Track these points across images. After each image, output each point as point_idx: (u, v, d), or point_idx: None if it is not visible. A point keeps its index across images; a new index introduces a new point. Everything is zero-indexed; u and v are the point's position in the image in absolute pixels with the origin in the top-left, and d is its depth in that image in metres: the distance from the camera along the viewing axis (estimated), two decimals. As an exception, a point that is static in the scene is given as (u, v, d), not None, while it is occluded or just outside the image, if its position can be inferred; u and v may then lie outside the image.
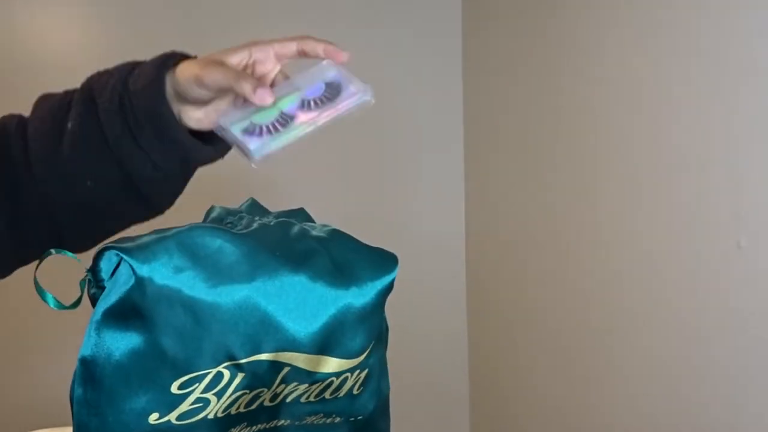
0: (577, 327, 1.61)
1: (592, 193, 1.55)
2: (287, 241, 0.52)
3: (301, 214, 0.60)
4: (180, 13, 2.07)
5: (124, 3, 2.04)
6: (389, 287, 0.55)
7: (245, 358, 0.48)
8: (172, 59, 0.62)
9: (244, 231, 0.53)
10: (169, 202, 0.65)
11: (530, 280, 1.83)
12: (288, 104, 0.61)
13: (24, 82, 2.00)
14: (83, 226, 0.66)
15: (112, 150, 0.60)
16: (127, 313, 0.48)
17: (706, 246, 1.20)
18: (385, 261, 0.56)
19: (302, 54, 0.63)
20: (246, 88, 0.57)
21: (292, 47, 0.62)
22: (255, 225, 0.54)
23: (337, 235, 0.55)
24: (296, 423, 0.51)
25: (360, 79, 0.62)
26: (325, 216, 2.49)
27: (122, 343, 0.47)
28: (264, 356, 0.48)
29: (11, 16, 1.99)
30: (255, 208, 0.60)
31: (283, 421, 0.51)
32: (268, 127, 0.61)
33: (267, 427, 0.51)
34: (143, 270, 0.47)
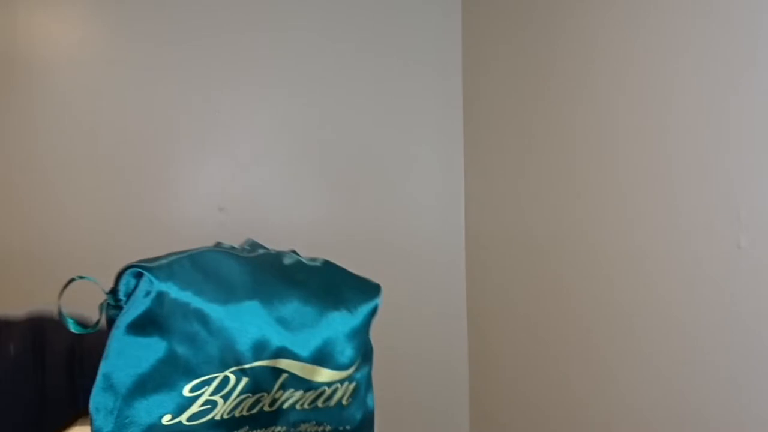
0: (577, 326, 1.61)
1: (592, 193, 1.55)
2: (285, 267, 0.60)
3: (293, 254, 0.65)
4: (180, 13, 2.07)
5: (124, 3, 2.04)
6: (374, 312, 0.62)
7: (249, 363, 0.55)
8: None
9: (248, 255, 0.60)
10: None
11: (530, 279, 1.83)
12: None
13: (24, 82, 2.01)
14: None
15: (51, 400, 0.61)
16: (147, 324, 0.53)
17: (706, 246, 1.20)
18: (371, 289, 0.63)
19: None
20: None
21: None
22: (258, 252, 0.61)
23: (329, 265, 0.62)
24: (291, 430, 0.57)
25: None
26: (326, 216, 2.49)
27: (142, 352, 0.53)
28: (266, 362, 0.55)
29: (11, 17, 1.99)
30: (255, 245, 0.66)
31: (279, 428, 0.57)
32: None
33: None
34: (163, 285, 0.54)
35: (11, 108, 1.96)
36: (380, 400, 2.34)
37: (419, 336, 2.22)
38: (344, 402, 0.58)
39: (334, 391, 0.57)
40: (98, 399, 0.52)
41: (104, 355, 0.53)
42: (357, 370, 0.58)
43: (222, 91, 2.09)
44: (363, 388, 0.59)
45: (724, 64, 1.16)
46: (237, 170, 2.09)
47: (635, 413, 1.40)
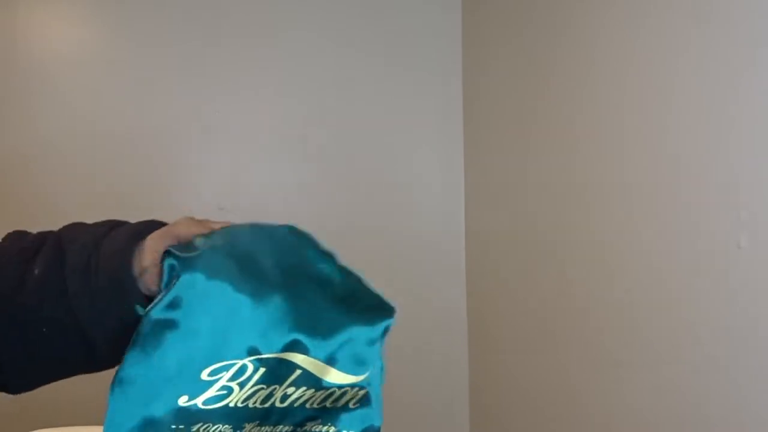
0: (577, 326, 1.61)
1: (592, 193, 1.54)
2: (317, 266, 0.61)
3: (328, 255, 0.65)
4: (180, 13, 2.07)
5: (124, 3, 2.04)
6: (387, 330, 0.63)
7: (267, 354, 0.56)
8: (146, 231, 0.62)
9: (286, 244, 0.61)
10: (118, 360, 0.64)
11: (530, 279, 1.83)
12: None
13: (24, 82, 2.00)
14: (25, 368, 0.65)
15: (71, 302, 0.60)
16: (173, 308, 0.55)
17: (706, 246, 1.20)
18: (389, 308, 0.64)
19: None
20: None
21: None
22: (298, 241, 0.62)
23: (356, 275, 0.63)
24: (298, 429, 0.58)
25: None
26: (326, 216, 2.49)
27: (171, 334, 0.55)
28: (283, 355, 0.56)
29: (12, 17, 1.99)
30: (298, 234, 0.66)
31: (287, 428, 0.57)
32: None
33: (273, 430, 0.57)
34: (194, 271, 0.55)
35: (11, 108, 1.96)
36: (380, 400, 2.32)
37: (419, 335, 2.21)
38: (351, 405, 0.58)
39: (344, 394, 0.58)
40: (129, 371, 0.53)
41: (132, 338, 0.54)
42: (369, 380, 0.59)
43: (222, 91, 2.09)
44: (373, 399, 0.60)
45: (724, 65, 1.16)
46: (237, 170, 2.09)
47: (635, 411, 1.40)
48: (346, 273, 0.61)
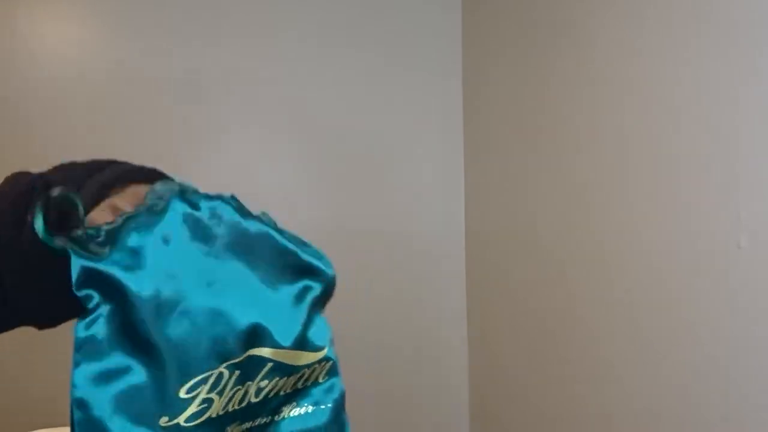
0: (577, 326, 1.61)
1: (592, 193, 1.54)
2: (252, 242, 0.57)
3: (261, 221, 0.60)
4: (180, 13, 2.07)
5: (124, 3, 2.04)
6: (332, 286, 0.59)
7: (240, 356, 0.53)
8: (122, 180, 0.58)
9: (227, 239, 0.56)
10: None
11: (530, 279, 1.83)
12: None
13: (24, 82, 2.01)
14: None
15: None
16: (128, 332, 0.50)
17: (706, 246, 1.20)
18: (326, 264, 0.59)
19: None
20: None
21: None
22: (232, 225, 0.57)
23: (280, 233, 0.59)
24: (275, 418, 0.56)
25: None
26: (326, 217, 2.48)
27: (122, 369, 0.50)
28: (255, 351, 0.53)
29: (12, 17, 1.99)
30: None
31: (264, 419, 0.56)
32: None
33: (253, 425, 0.56)
34: (136, 284, 0.50)
35: (11, 108, 1.96)
36: (381, 399, 2.35)
37: (419, 335, 2.22)
38: (321, 380, 0.58)
39: (313, 372, 0.57)
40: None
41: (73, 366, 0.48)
42: (329, 348, 0.58)
43: (221, 91, 2.09)
44: (336, 367, 0.59)
45: (724, 66, 1.16)
46: (237, 170, 2.09)
47: (635, 411, 1.40)
48: (276, 236, 0.58)
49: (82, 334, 0.49)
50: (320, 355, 0.57)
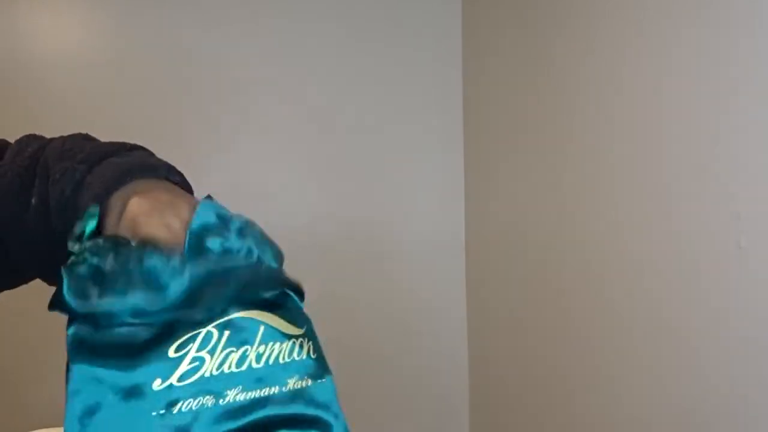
0: (576, 326, 1.61)
1: (592, 194, 1.54)
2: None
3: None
4: (180, 13, 2.07)
5: (124, 3, 2.04)
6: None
7: (227, 316, 0.54)
8: (129, 176, 0.59)
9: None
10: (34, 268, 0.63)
11: (530, 280, 1.83)
12: None
13: (24, 82, 2.01)
14: None
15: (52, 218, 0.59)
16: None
17: (706, 246, 1.20)
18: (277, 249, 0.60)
19: None
20: None
21: None
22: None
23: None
24: (282, 389, 0.56)
25: None
26: (326, 215, 2.48)
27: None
28: (242, 313, 0.55)
29: (12, 16, 1.99)
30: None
31: (273, 389, 0.56)
32: None
33: (259, 395, 0.55)
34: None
35: (11, 108, 1.96)
36: (381, 399, 2.34)
37: (419, 335, 2.22)
38: (312, 355, 0.57)
39: (302, 345, 0.57)
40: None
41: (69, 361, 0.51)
42: (308, 326, 0.59)
43: (221, 91, 2.09)
44: (320, 347, 0.59)
45: (724, 66, 1.16)
46: (236, 170, 2.09)
47: (635, 411, 1.40)
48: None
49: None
50: (300, 331, 0.57)
